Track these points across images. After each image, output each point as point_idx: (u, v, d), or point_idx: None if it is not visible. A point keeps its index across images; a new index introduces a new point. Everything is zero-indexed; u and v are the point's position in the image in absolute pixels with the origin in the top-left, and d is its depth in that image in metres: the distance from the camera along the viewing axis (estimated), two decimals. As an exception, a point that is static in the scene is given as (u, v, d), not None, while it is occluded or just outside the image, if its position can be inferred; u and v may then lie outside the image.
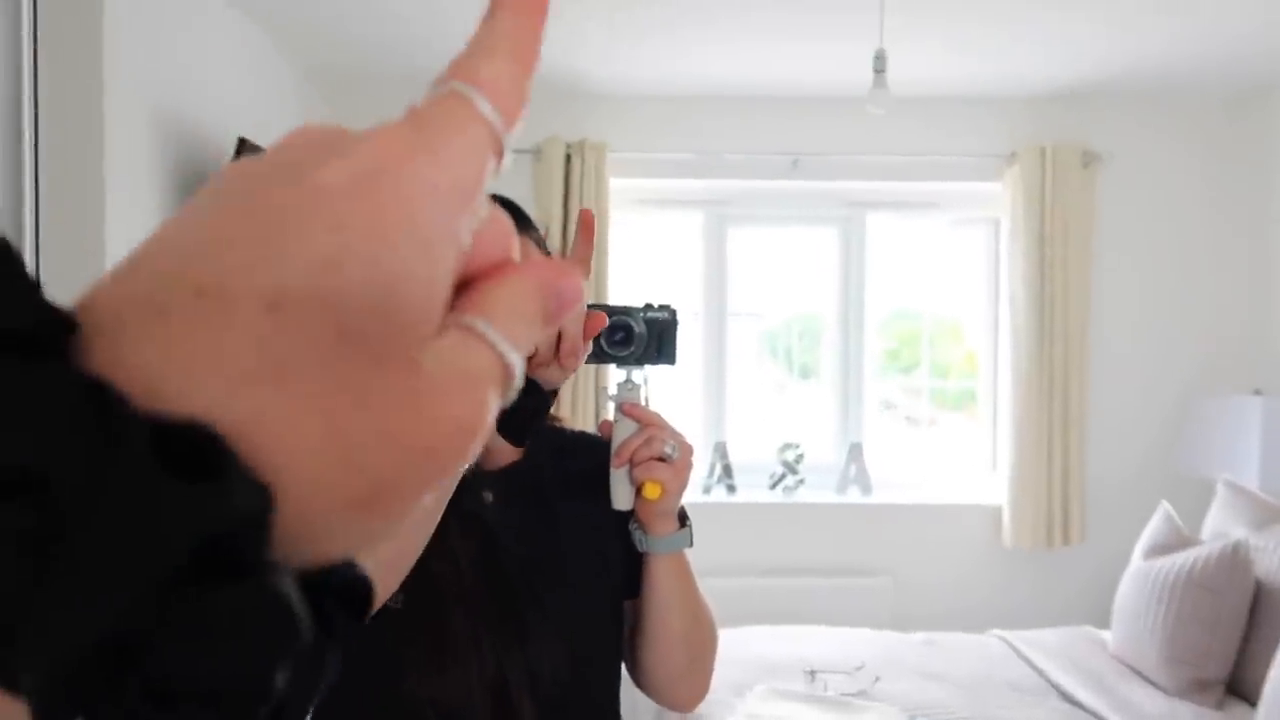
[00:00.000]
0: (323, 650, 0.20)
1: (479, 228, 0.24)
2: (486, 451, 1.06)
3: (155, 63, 2.19)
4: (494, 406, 0.22)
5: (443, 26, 2.78)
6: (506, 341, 0.23)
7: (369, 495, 0.20)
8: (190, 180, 2.32)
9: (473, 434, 0.21)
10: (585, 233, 0.85)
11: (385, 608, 0.93)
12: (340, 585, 0.22)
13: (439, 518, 0.82)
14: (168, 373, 0.18)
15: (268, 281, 0.19)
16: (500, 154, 0.25)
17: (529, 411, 0.85)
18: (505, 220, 0.25)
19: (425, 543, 0.82)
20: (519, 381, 0.23)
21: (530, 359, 0.82)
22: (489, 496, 1.04)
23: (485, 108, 0.24)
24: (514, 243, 0.25)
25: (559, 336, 0.82)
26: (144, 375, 0.18)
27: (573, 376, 3.27)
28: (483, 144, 0.24)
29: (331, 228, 0.20)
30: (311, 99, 3.29)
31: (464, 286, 0.23)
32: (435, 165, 0.22)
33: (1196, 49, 2.94)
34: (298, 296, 0.19)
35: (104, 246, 1.90)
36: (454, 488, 0.99)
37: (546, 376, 0.84)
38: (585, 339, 0.83)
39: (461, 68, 0.25)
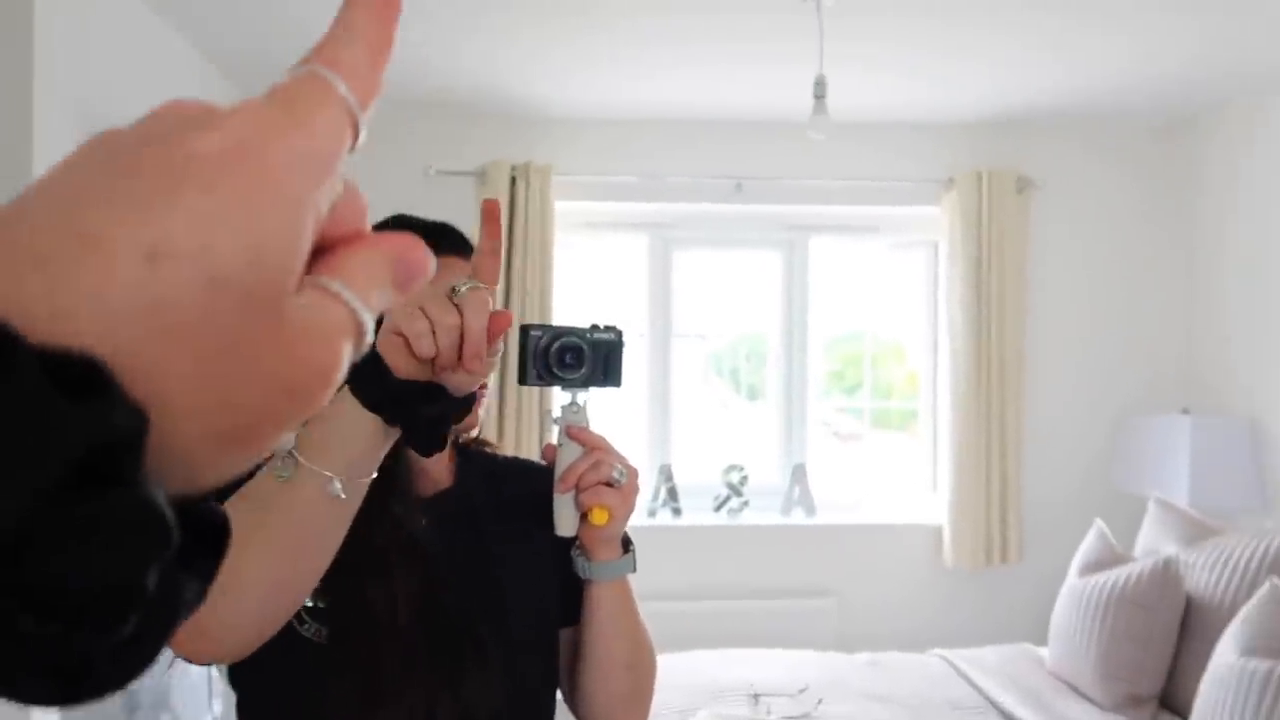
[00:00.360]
0: (180, 578, 0.22)
1: (336, 200, 0.26)
2: (418, 478, 1.04)
3: (83, 67, 2.15)
4: (348, 356, 0.25)
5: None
6: (359, 300, 0.25)
7: (234, 427, 0.23)
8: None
9: (329, 377, 0.24)
10: (490, 224, 0.81)
11: (310, 640, 0.91)
12: (201, 518, 0.23)
13: (337, 542, 0.79)
14: (54, 312, 0.20)
15: (145, 234, 0.21)
16: (356, 132, 0.27)
17: (436, 418, 0.80)
18: (360, 197, 0.28)
19: (323, 566, 0.79)
20: (369, 338, 0.26)
21: (434, 361, 0.77)
22: (423, 523, 1.02)
23: (343, 88, 0.27)
24: (366, 217, 0.28)
25: (461, 338, 0.76)
26: (31, 314, 0.20)
27: (516, 399, 3.25)
28: (341, 122, 0.27)
29: (204, 189, 0.22)
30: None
31: (321, 253, 0.26)
32: (298, 138, 0.25)
33: (1127, 78, 3.04)
34: (173, 249, 0.22)
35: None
36: (388, 517, 0.97)
37: (453, 382, 0.80)
38: (490, 341, 0.77)
39: (322, 53, 0.27)
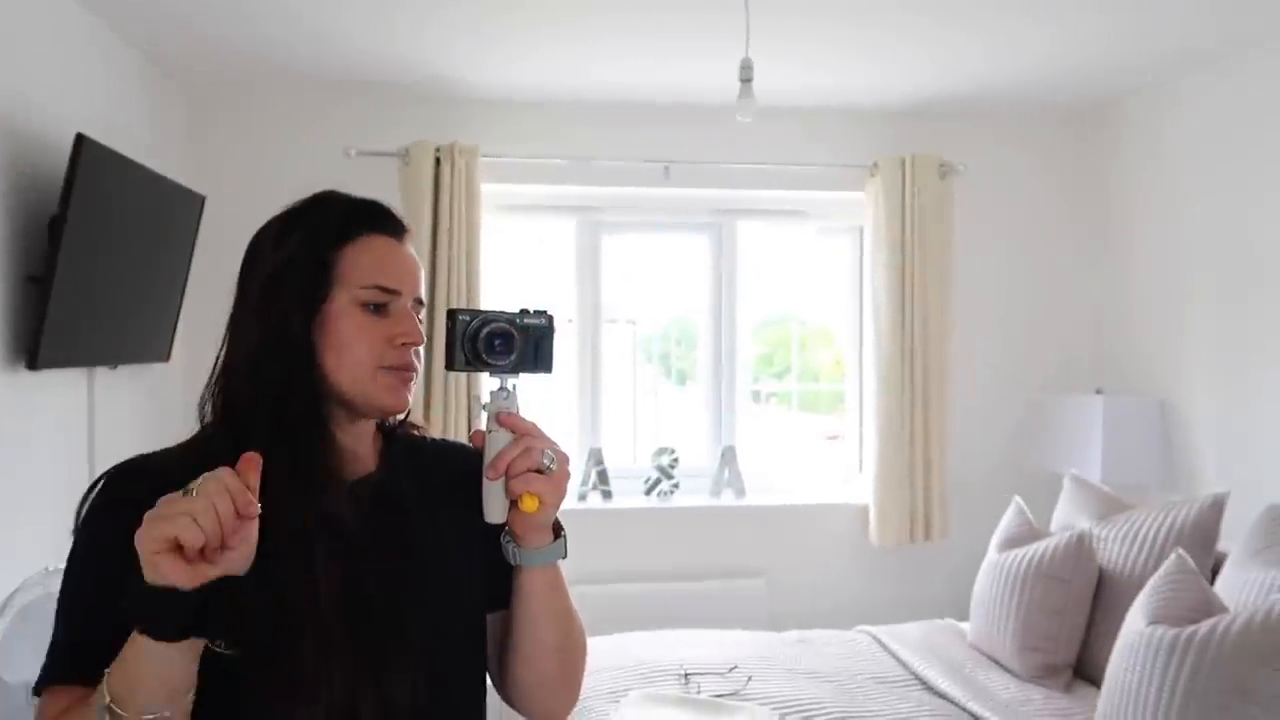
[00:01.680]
0: None
1: None
2: (342, 462, 1.01)
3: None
4: None
5: (296, 24, 2.68)
6: None
7: None
8: (22, 180, 2.16)
9: None
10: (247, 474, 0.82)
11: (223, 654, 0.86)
12: None
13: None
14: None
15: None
16: None
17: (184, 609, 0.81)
18: None
19: None
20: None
21: (204, 551, 0.79)
22: (347, 507, 0.99)
23: None
24: None
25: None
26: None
27: (444, 383, 3.21)
28: None
29: None
30: (168, 96, 3.12)
31: None
32: None
33: (1045, 66, 3.11)
34: None
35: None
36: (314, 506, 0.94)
37: (231, 565, 0.80)
38: (242, 517, 0.80)
39: None
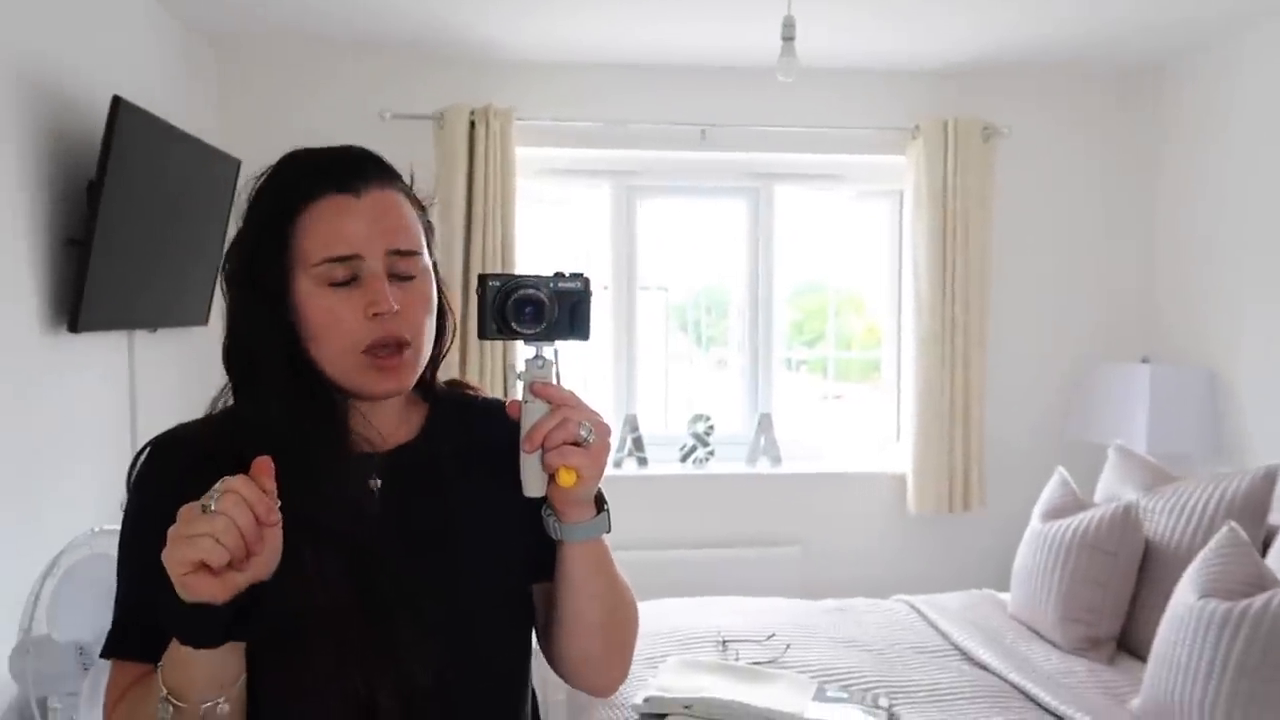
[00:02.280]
0: None
1: None
2: (378, 431, 0.97)
3: (18, 15, 2.02)
4: None
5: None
6: None
7: None
8: (59, 144, 2.16)
9: None
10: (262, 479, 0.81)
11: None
12: None
13: None
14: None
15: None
16: None
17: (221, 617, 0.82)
18: None
19: None
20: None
21: (232, 564, 0.78)
22: (377, 483, 0.96)
23: None
24: None
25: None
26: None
27: (479, 353, 3.20)
28: None
29: None
30: (203, 60, 3.11)
31: None
32: None
33: (1093, 24, 3.01)
34: None
35: (-39, 212, 1.75)
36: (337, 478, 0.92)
37: (257, 573, 0.80)
38: (264, 526, 0.79)
39: None
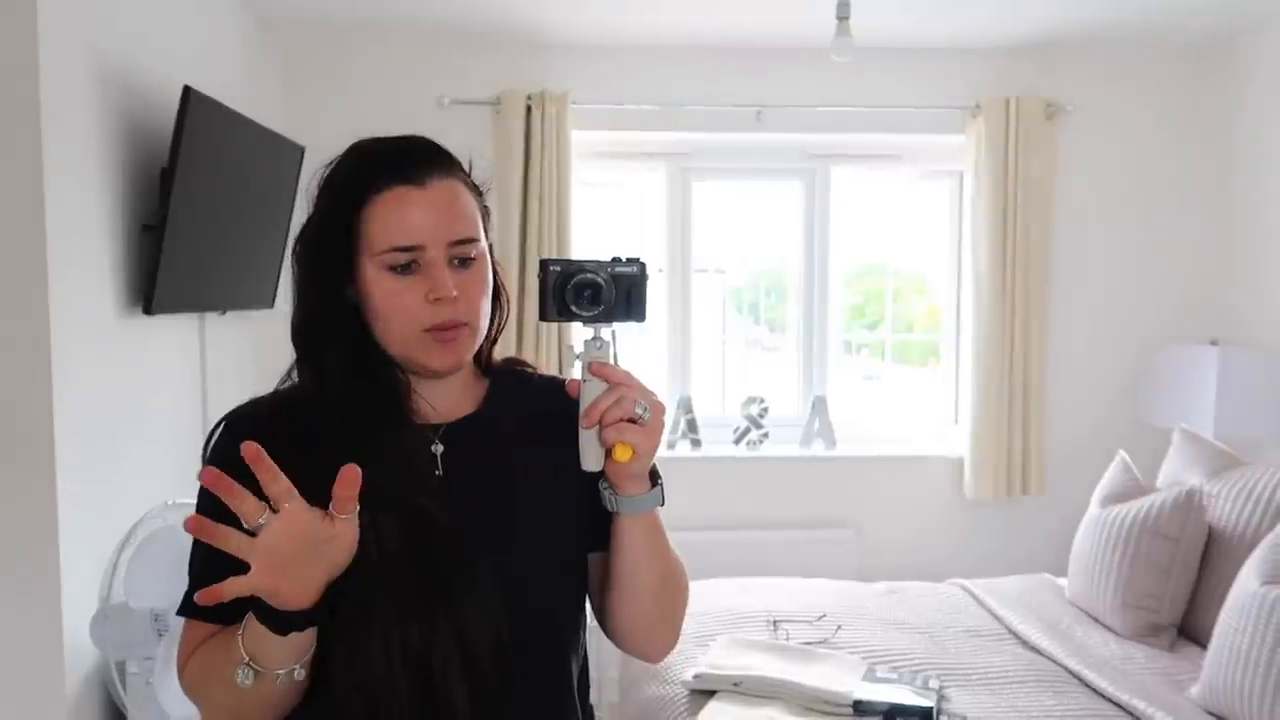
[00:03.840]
0: None
1: None
2: (444, 403, 1.03)
3: (95, 10, 2.10)
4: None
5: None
6: None
7: None
8: (133, 133, 2.24)
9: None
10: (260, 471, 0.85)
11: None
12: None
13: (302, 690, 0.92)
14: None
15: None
16: None
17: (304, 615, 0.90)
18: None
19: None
20: None
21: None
22: (439, 449, 1.01)
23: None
24: None
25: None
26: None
27: (535, 334, 3.24)
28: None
29: None
30: (265, 48, 3.19)
31: None
32: None
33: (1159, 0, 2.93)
34: None
35: (43, 200, 1.83)
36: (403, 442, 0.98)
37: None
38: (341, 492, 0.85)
39: None
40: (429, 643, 0.91)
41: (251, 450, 0.82)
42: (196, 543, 0.98)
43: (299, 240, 1.02)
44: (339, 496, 0.84)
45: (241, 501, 0.82)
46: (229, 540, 0.83)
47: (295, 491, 0.84)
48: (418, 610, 0.91)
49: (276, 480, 0.84)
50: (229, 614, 0.89)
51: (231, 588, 0.83)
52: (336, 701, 0.92)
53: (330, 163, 1.02)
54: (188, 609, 0.97)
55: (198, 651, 0.96)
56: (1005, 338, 3.38)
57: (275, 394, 1.04)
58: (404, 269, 0.96)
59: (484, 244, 1.02)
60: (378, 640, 0.90)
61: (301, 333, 1.02)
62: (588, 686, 1.12)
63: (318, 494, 0.85)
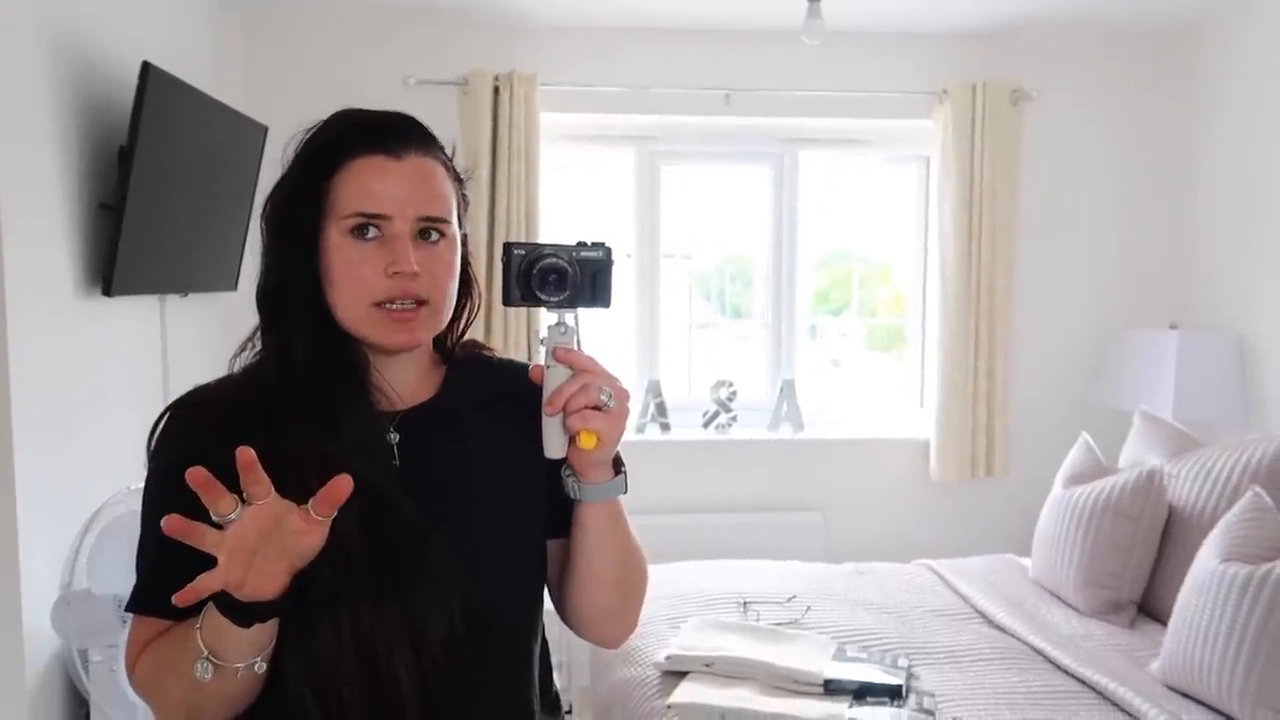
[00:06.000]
0: None
1: None
2: (398, 391, 1.01)
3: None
4: None
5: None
6: None
7: None
8: (90, 110, 2.19)
9: None
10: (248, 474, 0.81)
11: None
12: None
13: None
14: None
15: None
16: None
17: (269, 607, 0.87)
18: None
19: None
20: None
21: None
22: (395, 437, 0.99)
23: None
24: None
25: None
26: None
27: (502, 320, 3.22)
28: None
29: None
30: (228, 24, 3.12)
31: None
32: None
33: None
34: None
35: (-3, 176, 1.78)
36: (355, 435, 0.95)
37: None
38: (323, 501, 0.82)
39: None
40: (377, 626, 0.89)
41: (246, 457, 0.78)
42: (145, 538, 0.96)
43: (268, 201, 1.00)
44: (323, 501, 0.81)
45: (219, 499, 0.79)
46: (205, 538, 0.79)
47: (274, 492, 0.81)
48: (372, 599, 0.89)
49: (259, 483, 0.80)
50: (182, 609, 0.85)
51: (205, 584, 0.79)
52: (287, 685, 0.90)
53: (310, 127, 0.99)
54: (138, 604, 0.95)
55: (150, 647, 0.93)
56: (970, 321, 3.41)
57: (225, 378, 1.01)
58: (363, 232, 0.94)
59: (455, 230, 1.00)
60: (327, 622, 0.88)
61: (267, 297, 1.00)
62: (549, 670, 1.12)
63: (274, 472, 0.81)
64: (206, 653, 0.84)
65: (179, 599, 0.80)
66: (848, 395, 3.77)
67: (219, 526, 0.80)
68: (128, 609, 0.96)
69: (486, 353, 1.13)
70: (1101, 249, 3.56)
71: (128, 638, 0.96)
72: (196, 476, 0.78)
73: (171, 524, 0.78)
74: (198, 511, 0.80)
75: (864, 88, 3.42)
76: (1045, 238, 3.53)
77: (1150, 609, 2.54)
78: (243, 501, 0.80)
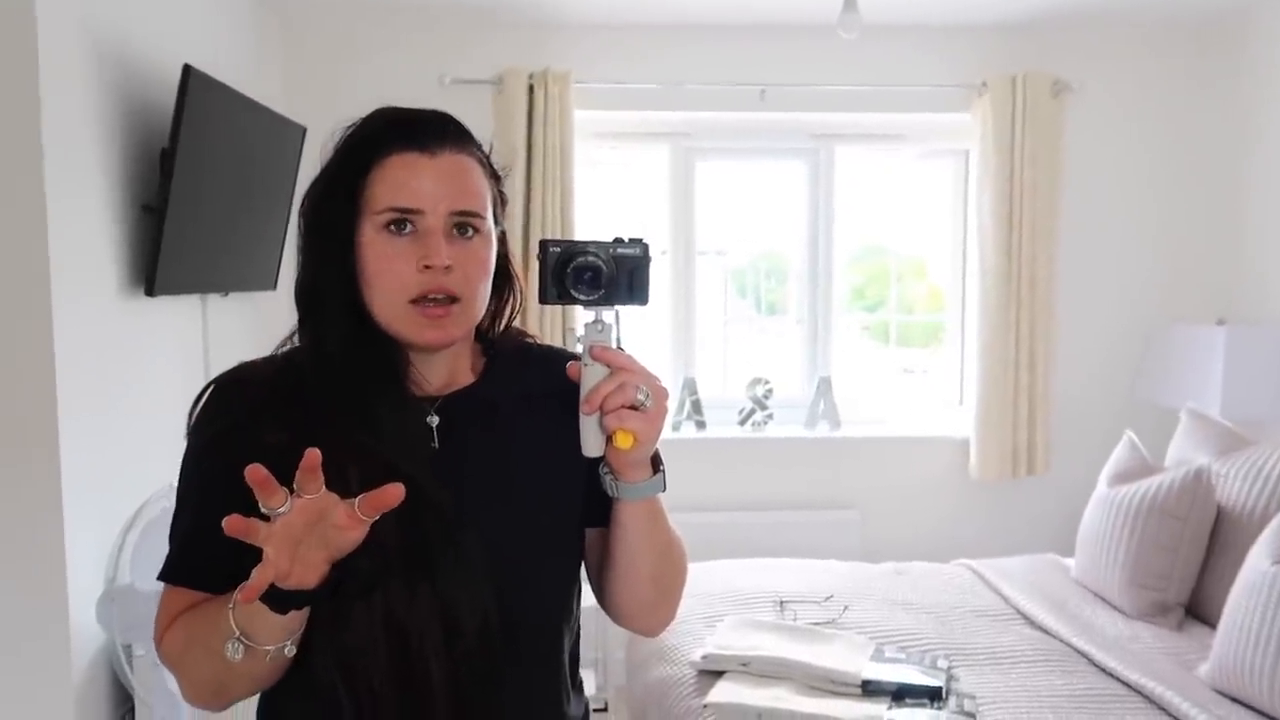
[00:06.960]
0: None
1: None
2: (441, 376, 1.01)
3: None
4: None
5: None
6: None
7: None
8: (132, 113, 2.22)
9: None
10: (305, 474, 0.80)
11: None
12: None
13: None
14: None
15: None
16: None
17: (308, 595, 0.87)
18: None
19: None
20: None
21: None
22: (434, 420, 0.99)
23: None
24: None
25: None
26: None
27: (537, 317, 3.22)
28: None
29: None
30: (266, 26, 3.16)
31: None
32: None
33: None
34: None
35: (42, 180, 1.81)
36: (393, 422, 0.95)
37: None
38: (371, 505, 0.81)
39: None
40: (409, 617, 0.89)
41: (312, 459, 0.79)
42: (180, 511, 0.97)
43: (305, 198, 1.00)
44: (371, 504, 0.81)
45: (273, 495, 0.79)
46: (258, 534, 0.80)
47: (324, 488, 0.81)
48: (402, 585, 0.89)
49: (315, 481, 0.80)
50: (209, 580, 0.87)
51: (261, 579, 0.80)
52: (318, 674, 0.90)
53: (349, 124, 1.00)
54: (170, 574, 0.95)
55: (180, 620, 0.94)
56: (1010, 317, 3.36)
57: (268, 359, 1.02)
58: (398, 227, 0.93)
59: (491, 226, 0.99)
60: (360, 612, 0.89)
61: (304, 293, 1.00)
62: (577, 660, 1.11)
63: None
64: (238, 633, 0.85)
65: (243, 598, 0.81)
66: (885, 392, 3.73)
67: (265, 517, 0.80)
68: (160, 578, 0.96)
69: (528, 340, 1.12)
70: (1146, 242, 3.49)
71: (160, 606, 0.97)
72: (255, 475, 0.78)
73: (232, 524, 0.78)
74: (230, 482, 0.80)
75: (900, 82, 3.38)
76: (1088, 231, 3.46)
77: (1197, 611, 2.48)
78: (291, 494, 0.80)
